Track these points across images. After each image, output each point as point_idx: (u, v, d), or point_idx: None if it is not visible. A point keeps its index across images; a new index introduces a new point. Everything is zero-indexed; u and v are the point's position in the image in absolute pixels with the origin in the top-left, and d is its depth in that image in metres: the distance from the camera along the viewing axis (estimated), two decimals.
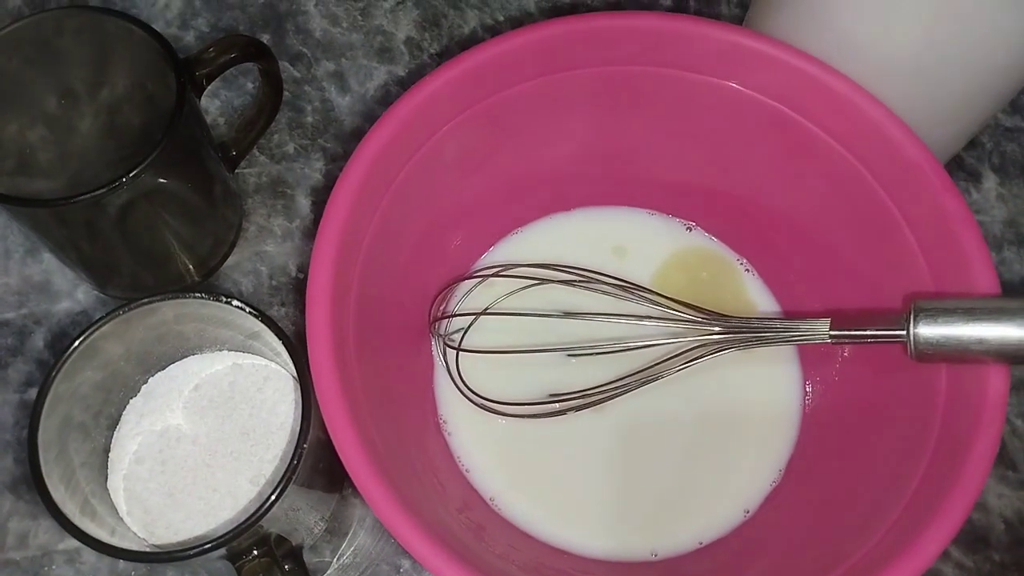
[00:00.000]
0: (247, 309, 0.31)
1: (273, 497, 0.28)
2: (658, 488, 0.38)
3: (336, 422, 0.29)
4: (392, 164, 0.35)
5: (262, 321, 0.30)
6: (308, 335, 0.30)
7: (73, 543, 0.38)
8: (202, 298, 0.31)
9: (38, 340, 0.42)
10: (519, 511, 0.37)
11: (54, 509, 0.28)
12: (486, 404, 0.38)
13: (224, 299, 0.31)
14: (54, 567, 0.38)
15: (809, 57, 0.35)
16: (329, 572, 0.38)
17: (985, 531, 0.39)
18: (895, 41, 0.34)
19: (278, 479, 0.29)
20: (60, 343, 0.41)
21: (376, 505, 0.28)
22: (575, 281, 0.38)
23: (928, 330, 0.30)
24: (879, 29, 0.34)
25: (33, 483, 0.28)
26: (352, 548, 0.38)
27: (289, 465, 0.29)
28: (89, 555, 0.38)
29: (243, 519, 0.29)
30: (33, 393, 0.41)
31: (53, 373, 0.30)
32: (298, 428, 0.33)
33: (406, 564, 0.38)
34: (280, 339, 0.30)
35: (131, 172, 0.33)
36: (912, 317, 0.30)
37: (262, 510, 0.28)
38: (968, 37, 0.33)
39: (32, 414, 0.29)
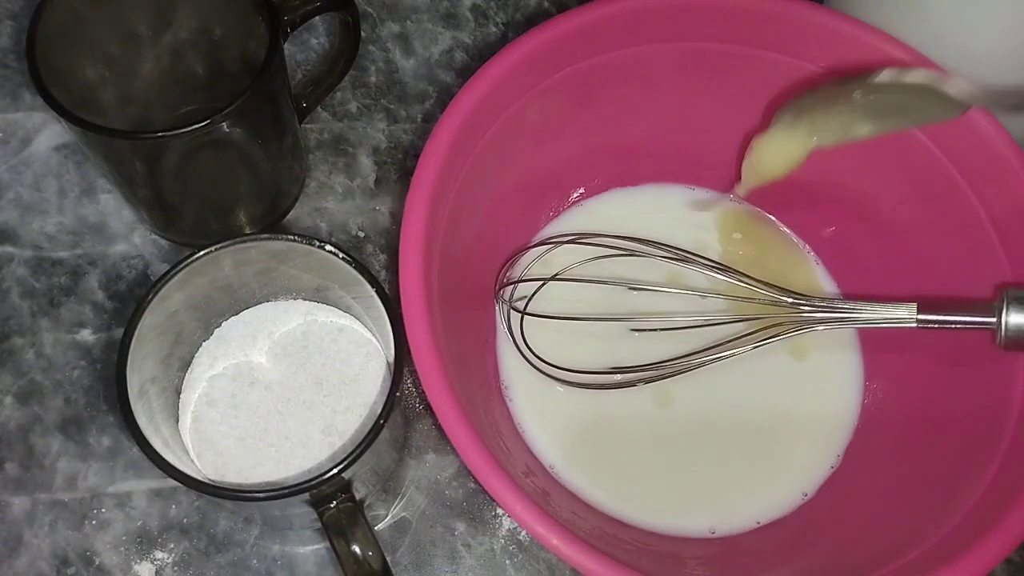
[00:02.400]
0: (340, 255, 0.30)
1: (366, 442, 0.28)
2: (716, 467, 0.38)
3: (430, 375, 0.29)
4: (479, 126, 0.35)
5: (355, 268, 0.30)
6: (402, 289, 0.30)
7: (124, 486, 0.37)
8: (295, 240, 0.31)
9: (92, 281, 0.41)
10: (578, 482, 0.37)
11: (149, 450, 0.27)
12: (548, 370, 0.38)
13: (318, 243, 0.30)
14: (103, 510, 0.37)
15: (900, 43, 0.35)
16: (382, 527, 0.37)
17: None
18: (985, 29, 0.35)
19: (357, 430, 0.29)
20: (115, 286, 0.41)
21: (468, 455, 0.28)
22: (654, 255, 0.38)
23: (1019, 317, 0.30)
24: (969, 16, 0.35)
25: (126, 427, 0.27)
26: (405, 508, 0.38)
27: (382, 411, 0.28)
28: (140, 499, 0.37)
29: (318, 470, 0.29)
30: (85, 334, 0.40)
31: (141, 308, 0.29)
32: (371, 381, 0.33)
33: (460, 527, 0.38)
34: (373, 287, 0.30)
35: (216, 114, 0.33)
36: (1004, 304, 0.30)
37: (356, 454, 0.28)
38: None
39: (118, 361, 0.29)
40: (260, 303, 0.35)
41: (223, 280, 0.34)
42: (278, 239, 0.30)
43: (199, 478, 0.28)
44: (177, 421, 0.33)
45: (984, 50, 0.34)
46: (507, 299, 0.39)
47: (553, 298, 0.39)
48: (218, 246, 0.30)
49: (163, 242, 0.42)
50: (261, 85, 0.34)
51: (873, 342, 0.39)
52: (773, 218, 0.42)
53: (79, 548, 0.36)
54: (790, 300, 0.35)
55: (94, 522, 0.37)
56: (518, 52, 0.35)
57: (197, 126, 0.32)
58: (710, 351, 0.38)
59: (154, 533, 0.37)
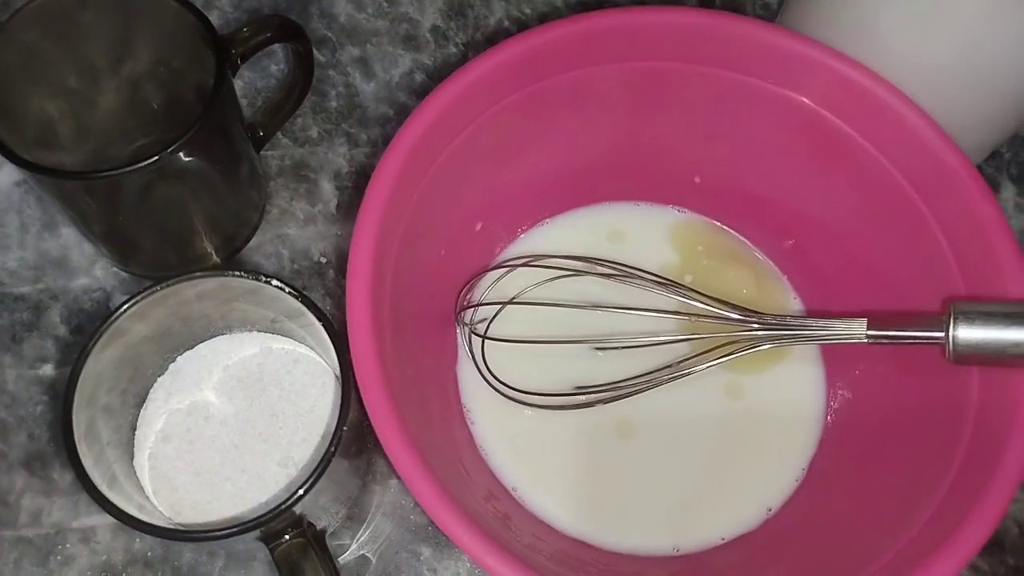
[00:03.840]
0: (287, 289, 0.30)
1: (313, 477, 0.28)
2: (680, 484, 0.38)
3: (376, 406, 0.29)
4: (430, 151, 0.35)
5: (302, 302, 0.30)
6: (349, 318, 0.30)
7: (88, 521, 0.37)
8: (241, 277, 0.31)
9: (54, 315, 0.41)
10: (541, 503, 0.37)
11: (89, 485, 0.27)
12: (510, 393, 0.38)
13: (264, 278, 0.30)
14: (68, 545, 0.37)
15: (850, 60, 0.35)
16: (348, 556, 0.37)
17: (1000, 535, 0.39)
18: (931, 48, 0.35)
19: (313, 461, 0.29)
20: (76, 319, 0.41)
21: (416, 488, 0.28)
22: (609, 274, 0.38)
23: (967, 332, 0.30)
24: (916, 35, 0.35)
25: (68, 461, 0.28)
26: (371, 535, 0.38)
27: (329, 445, 0.28)
28: (104, 533, 0.37)
29: (275, 502, 0.29)
30: (48, 369, 0.40)
31: (87, 349, 0.29)
32: (327, 412, 0.33)
33: (426, 551, 0.38)
34: (320, 320, 0.30)
35: (166, 149, 0.33)
36: (951, 319, 0.30)
37: (302, 490, 0.28)
38: (1004, 47, 0.34)
39: (65, 394, 0.29)
40: (216, 336, 0.35)
41: (181, 313, 0.34)
42: (222, 276, 0.31)
43: (147, 516, 0.28)
44: (132, 458, 0.33)
45: (932, 66, 0.34)
46: (468, 322, 0.39)
47: (515, 319, 0.39)
48: (162, 285, 0.30)
49: (124, 274, 0.42)
50: (209, 118, 0.34)
51: (834, 354, 0.39)
52: (735, 232, 0.42)
53: None
54: (736, 317, 0.35)
55: (59, 557, 0.37)
56: (468, 77, 0.35)
57: (144, 163, 0.32)
58: (671, 368, 0.38)
59: (119, 567, 0.37)
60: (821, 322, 0.34)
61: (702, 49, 0.36)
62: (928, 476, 0.32)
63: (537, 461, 0.38)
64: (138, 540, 0.37)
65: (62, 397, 0.29)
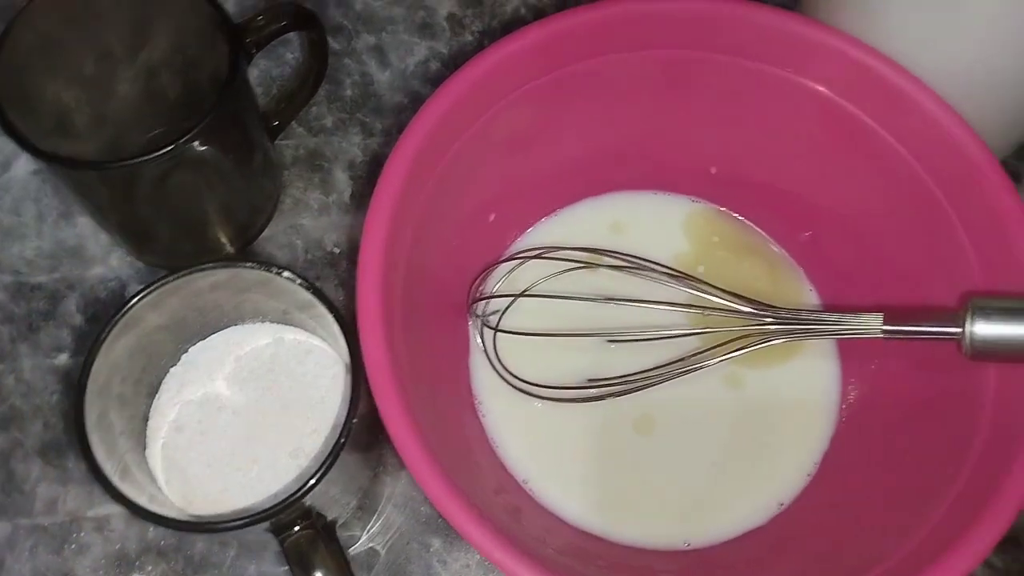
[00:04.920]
0: (298, 281, 0.30)
1: (322, 470, 0.28)
2: (691, 478, 0.38)
3: (385, 398, 0.29)
4: (444, 140, 0.35)
5: (313, 294, 0.30)
6: (359, 309, 0.30)
7: (102, 510, 0.38)
8: (253, 268, 0.31)
9: (70, 305, 0.41)
10: (552, 496, 0.37)
11: (99, 475, 0.27)
12: (522, 386, 0.38)
13: (275, 270, 0.30)
14: (83, 534, 0.37)
15: (870, 48, 0.34)
16: (359, 547, 0.37)
17: (1016, 532, 0.38)
18: (954, 42, 0.34)
19: (324, 452, 0.29)
20: (92, 309, 0.41)
21: (423, 481, 0.28)
22: (621, 266, 0.38)
23: (984, 328, 0.29)
24: (938, 29, 0.34)
25: (79, 450, 0.28)
26: (382, 526, 0.38)
27: (339, 437, 0.28)
28: (118, 522, 0.38)
29: (286, 493, 0.29)
30: (63, 359, 0.40)
31: (101, 338, 0.29)
32: (338, 403, 0.33)
33: (436, 543, 0.38)
34: (331, 312, 0.30)
35: (181, 138, 0.33)
36: (969, 315, 0.30)
37: (311, 482, 0.28)
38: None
39: (78, 383, 0.29)
40: (228, 326, 0.35)
41: (194, 303, 0.34)
42: (234, 266, 0.31)
43: (159, 506, 0.29)
44: (145, 448, 0.33)
45: (947, 62, 0.34)
46: (480, 314, 0.39)
47: (527, 311, 0.39)
48: (176, 276, 0.30)
49: (139, 264, 0.42)
50: (223, 107, 0.34)
51: (850, 349, 0.39)
52: (750, 223, 0.42)
53: (59, 572, 0.37)
54: (748, 310, 0.35)
55: (73, 546, 0.37)
56: (483, 65, 0.35)
57: (158, 153, 0.32)
58: (684, 362, 0.38)
59: (132, 556, 0.37)
60: (836, 316, 0.33)
61: (720, 37, 0.36)
62: (943, 472, 0.32)
63: (548, 454, 0.38)
64: (152, 529, 0.37)
65: (75, 386, 0.29)
